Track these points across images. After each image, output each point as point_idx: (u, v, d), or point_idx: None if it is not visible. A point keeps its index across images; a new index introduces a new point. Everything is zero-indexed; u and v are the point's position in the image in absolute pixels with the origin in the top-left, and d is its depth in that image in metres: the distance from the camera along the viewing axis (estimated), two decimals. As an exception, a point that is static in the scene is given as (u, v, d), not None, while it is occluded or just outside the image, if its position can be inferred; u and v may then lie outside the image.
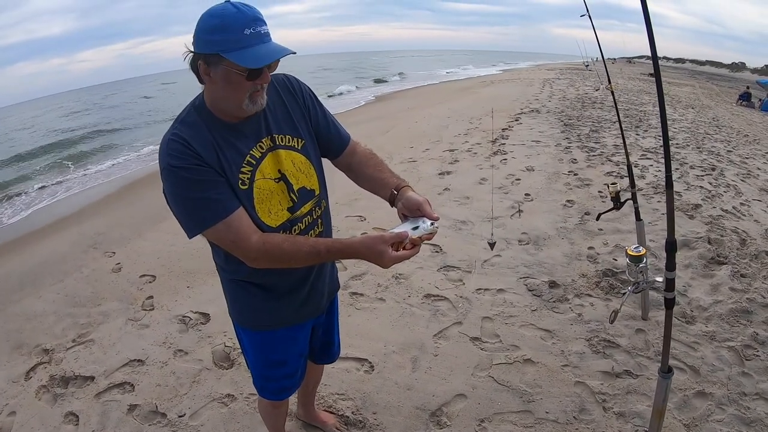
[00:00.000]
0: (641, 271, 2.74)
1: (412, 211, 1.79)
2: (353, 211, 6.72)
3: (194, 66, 1.66)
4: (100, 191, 11.41)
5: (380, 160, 2.10)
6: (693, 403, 3.04)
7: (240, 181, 1.73)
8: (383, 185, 1.96)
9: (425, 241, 1.73)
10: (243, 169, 1.74)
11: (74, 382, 3.73)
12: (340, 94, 29.69)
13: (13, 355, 4.25)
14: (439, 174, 8.30)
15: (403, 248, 1.70)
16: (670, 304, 2.16)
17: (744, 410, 2.98)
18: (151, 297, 4.92)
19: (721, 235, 5.16)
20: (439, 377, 3.38)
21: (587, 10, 3.72)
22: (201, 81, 1.70)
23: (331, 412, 3.13)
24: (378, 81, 38.29)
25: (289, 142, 1.87)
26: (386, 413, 3.11)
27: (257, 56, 1.56)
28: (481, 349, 3.62)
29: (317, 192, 1.97)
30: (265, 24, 1.61)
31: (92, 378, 3.74)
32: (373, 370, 3.52)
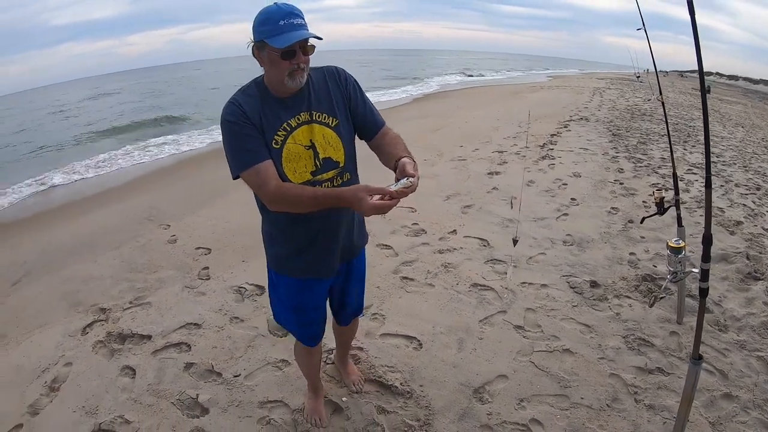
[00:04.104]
0: (680, 262, 2.93)
1: (402, 174, 2.09)
2: (403, 202, 6.87)
3: (253, 52, 2.16)
4: (156, 166, 11.78)
5: (401, 142, 2.36)
6: (719, 403, 3.15)
7: (274, 141, 2.18)
8: (392, 158, 2.26)
9: (403, 196, 1.98)
10: (278, 133, 2.19)
11: (131, 340, 3.99)
12: (388, 89, 29.53)
13: (70, 312, 4.53)
14: (488, 173, 8.43)
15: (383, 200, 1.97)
16: (704, 293, 2.32)
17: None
18: (206, 268, 5.16)
19: (760, 253, 5.19)
20: (483, 358, 3.57)
21: (643, 24, 3.74)
22: (261, 64, 2.19)
23: (380, 382, 3.35)
24: (424, 79, 37.84)
25: (324, 119, 2.27)
26: (432, 387, 3.31)
27: (286, 39, 2.02)
28: (524, 337, 3.80)
29: (341, 164, 2.33)
30: (300, 17, 2.08)
31: (149, 337, 3.99)
32: (421, 347, 3.72)
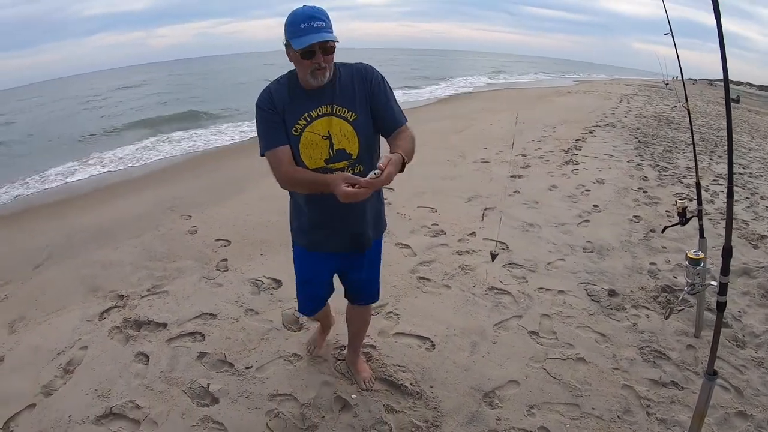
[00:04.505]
0: (698, 274, 2.88)
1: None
2: (424, 202, 6.93)
3: (286, 49, 2.37)
4: (180, 158, 11.96)
5: (408, 142, 2.46)
6: (733, 421, 3.09)
7: (294, 129, 2.43)
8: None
9: (372, 186, 2.15)
10: (299, 122, 2.43)
11: (147, 327, 4.05)
12: (413, 88, 29.63)
13: (89, 296, 4.62)
14: (511, 177, 8.39)
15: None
16: (721, 307, 2.27)
17: (781, 437, 3.02)
18: (225, 260, 5.21)
19: (784, 268, 5.09)
20: (495, 363, 3.56)
21: (670, 29, 3.64)
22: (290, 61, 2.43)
23: (390, 381, 3.36)
24: (450, 80, 37.69)
25: (344, 114, 2.45)
26: (442, 388, 3.30)
27: (304, 41, 2.23)
28: (538, 343, 3.78)
29: (354, 156, 2.50)
30: (321, 20, 2.26)
31: (165, 325, 4.05)
32: (434, 348, 3.72)
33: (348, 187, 2.16)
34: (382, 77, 2.56)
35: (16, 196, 9.61)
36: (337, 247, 2.79)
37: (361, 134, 2.48)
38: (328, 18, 2.29)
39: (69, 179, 10.62)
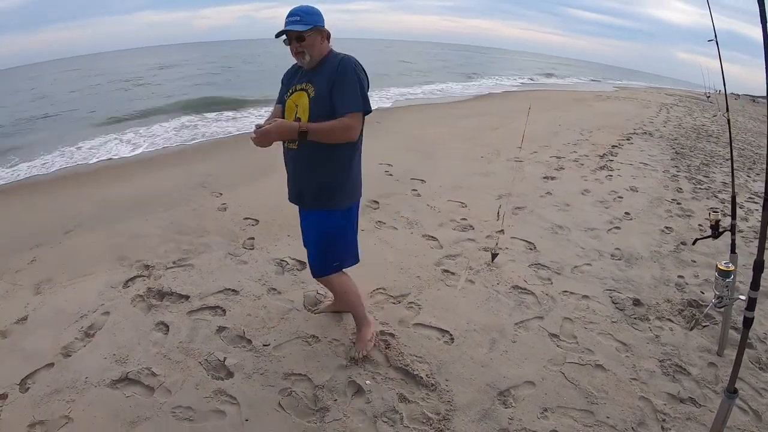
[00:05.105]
0: (727, 286, 2.81)
1: None
2: (455, 196, 6.94)
3: None
4: (215, 138, 12.17)
5: (329, 125, 2.90)
6: None
7: (285, 95, 3.18)
8: None
9: (255, 134, 2.86)
10: (288, 91, 3.15)
11: (169, 298, 4.13)
12: (450, 83, 29.62)
13: (115, 264, 4.72)
14: (544, 177, 8.35)
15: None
16: (747, 323, 2.22)
17: (799, 465, 2.94)
18: (252, 238, 5.29)
19: (819, 292, 4.96)
20: (513, 362, 3.53)
21: (715, 35, 3.58)
22: None
23: (405, 371, 3.36)
24: (489, 77, 37.35)
25: (309, 91, 3.00)
26: (457, 382, 3.29)
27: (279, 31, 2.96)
28: (557, 346, 3.74)
29: None
30: (297, 16, 2.90)
31: (187, 297, 4.12)
32: (452, 342, 3.71)
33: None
34: (351, 71, 2.94)
35: (53, 166, 9.88)
36: (290, 196, 3.32)
37: (314, 110, 2.97)
38: (306, 14, 2.91)
39: (104, 152, 10.86)
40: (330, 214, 3.18)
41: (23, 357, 3.40)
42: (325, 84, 2.93)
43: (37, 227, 5.86)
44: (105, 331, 3.68)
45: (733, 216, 3.71)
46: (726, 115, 3.80)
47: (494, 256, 4.31)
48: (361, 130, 3.06)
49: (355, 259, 3.43)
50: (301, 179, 3.16)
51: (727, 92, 4.14)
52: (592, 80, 51.27)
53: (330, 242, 3.26)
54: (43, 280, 4.48)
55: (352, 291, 3.49)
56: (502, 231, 5.69)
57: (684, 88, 58.79)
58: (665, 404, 3.25)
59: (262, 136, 2.83)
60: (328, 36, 3.04)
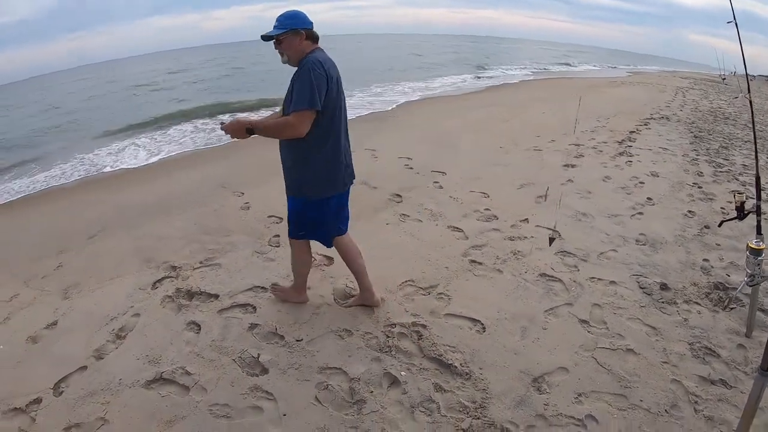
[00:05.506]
0: (758, 264, 2.80)
1: None
2: (477, 187, 6.95)
3: None
4: (230, 138, 12.13)
5: (274, 122, 3.34)
6: None
7: None
8: None
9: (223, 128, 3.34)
10: None
11: (199, 297, 4.17)
12: (461, 74, 29.45)
13: (142, 266, 4.77)
14: (564, 165, 8.35)
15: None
16: None
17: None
18: (277, 236, 5.31)
19: None
20: (545, 348, 3.56)
21: (734, 17, 3.50)
22: None
23: (440, 361, 3.39)
24: (500, 67, 37.07)
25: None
26: (491, 370, 3.32)
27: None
28: (588, 332, 3.76)
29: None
30: (277, 21, 3.21)
31: (216, 296, 4.16)
32: (484, 331, 3.74)
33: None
34: (306, 71, 3.14)
35: (72, 175, 10.01)
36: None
37: (285, 108, 3.32)
38: (285, 19, 3.21)
39: (121, 159, 11.01)
40: (294, 200, 3.62)
41: (55, 361, 3.46)
42: (291, 84, 3.24)
43: (60, 234, 5.95)
44: (136, 333, 3.74)
45: (758, 197, 3.66)
46: (747, 96, 3.78)
47: (552, 240, 4.30)
48: (328, 126, 3.32)
49: (325, 242, 3.80)
50: (283, 162, 3.53)
51: (747, 70, 4.10)
52: (610, 66, 50.83)
53: (296, 220, 3.69)
54: (71, 285, 4.55)
55: (301, 260, 3.88)
56: (526, 220, 5.71)
57: (696, 70, 58.15)
58: (697, 386, 3.26)
59: (225, 131, 3.29)
60: (309, 36, 3.28)
